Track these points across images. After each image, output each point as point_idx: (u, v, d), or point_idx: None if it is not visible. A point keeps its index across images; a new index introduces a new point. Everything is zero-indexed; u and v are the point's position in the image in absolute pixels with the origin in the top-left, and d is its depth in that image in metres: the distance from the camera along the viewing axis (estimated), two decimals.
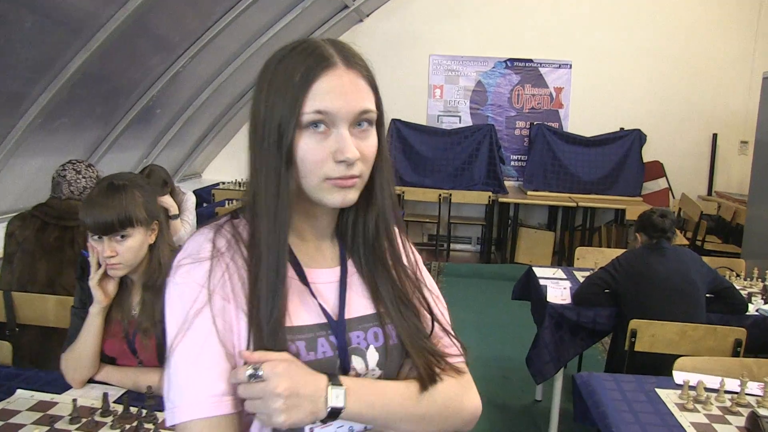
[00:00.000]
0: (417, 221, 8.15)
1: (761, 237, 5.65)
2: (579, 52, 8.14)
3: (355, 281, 1.18)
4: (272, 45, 6.80)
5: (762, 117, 5.88)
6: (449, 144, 8.16)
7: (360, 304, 1.16)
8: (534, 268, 4.06)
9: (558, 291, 3.52)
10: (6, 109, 3.97)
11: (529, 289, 4.03)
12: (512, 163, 8.41)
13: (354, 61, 1.09)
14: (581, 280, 3.65)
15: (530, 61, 8.21)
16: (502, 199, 7.55)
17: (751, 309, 3.42)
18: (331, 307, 1.13)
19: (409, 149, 8.19)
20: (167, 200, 4.11)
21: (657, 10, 7.97)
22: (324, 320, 1.10)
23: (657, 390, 2.29)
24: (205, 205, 7.04)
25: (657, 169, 8.06)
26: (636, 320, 3.02)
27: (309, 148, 1.04)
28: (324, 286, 1.14)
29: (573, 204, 7.34)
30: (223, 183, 7.94)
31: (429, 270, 6.77)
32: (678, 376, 2.37)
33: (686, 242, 6.37)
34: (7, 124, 4.06)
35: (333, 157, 1.04)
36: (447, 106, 8.43)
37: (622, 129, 8.03)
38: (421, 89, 8.43)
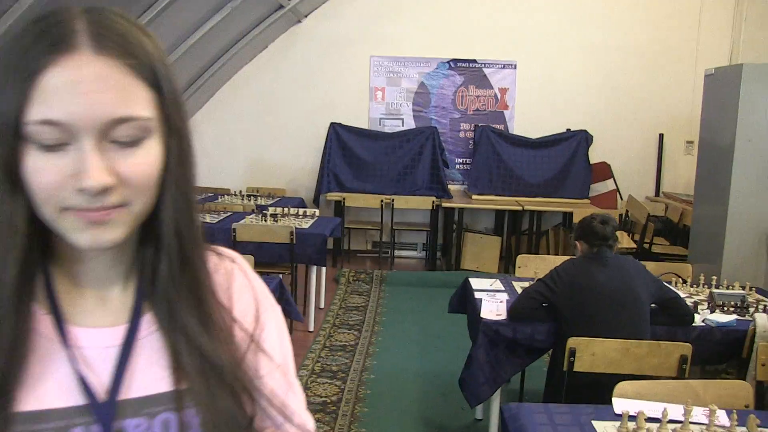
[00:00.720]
0: (360, 228, 7.85)
1: (707, 237, 5.49)
2: (524, 52, 7.95)
3: (150, 345, 0.83)
4: (199, 49, 6.46)
5: (705, 116, 5.74)
6: (391, 148, 7.89)
7: (150, 378, 0.82)
8: (471, 279, 3.79)
9: (493, 305, 3.26)
10: None
11: (466, 302, 3.76)
12: (457, 166, 8.17)
13: (111, 42, 0.73)
14: (520, 291, 3.39)
15: (474, 61, 8.00)
16: (446, 204, 7.30)
17: (698, 319, 3.20)
18: (101, 383, 0.78)
19: (349, 154, 7.90)
20: None
21: (602, 9, 7.83)
22: (84, 402, 0.76)
23: (594, 423, 2.03)
24: None
25: (604, 171, 7.90)
26: (575, 338, 2.77)
27: (37, 169, 0.71)
28: (97, 352, 0.80)
29: (519, 208, 7.12)
30: None
31: (371, 280, 6.48)
32: (618, 405, 2.11)
33: (633, 245, 6.20)
34: None
35: (71, 183, 0.72)
36: (389, 108, 8.16)
37: (568, 130, 7.85)
38: (362, 92, 8.15)
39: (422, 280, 6.93)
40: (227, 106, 8.32)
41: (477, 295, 3.45)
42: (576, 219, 6.71)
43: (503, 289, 3.64)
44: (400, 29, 7.98)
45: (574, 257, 3.24)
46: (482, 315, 3.17)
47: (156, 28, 5.58)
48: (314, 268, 5.38)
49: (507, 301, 3.32)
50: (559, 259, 3.62)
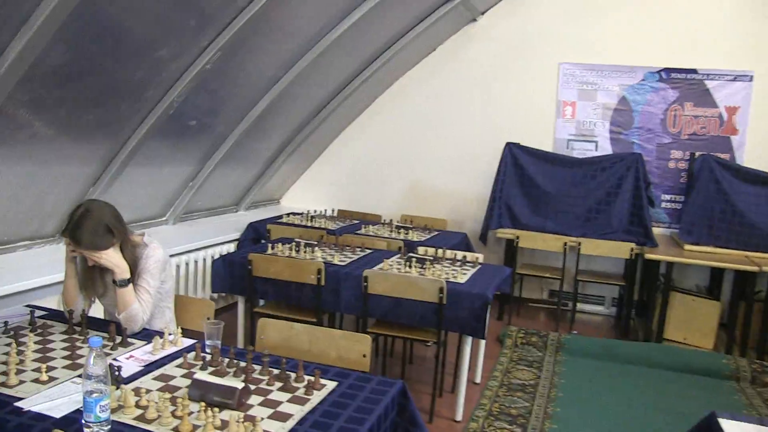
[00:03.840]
0: (535, 275, 6.32)
1: None
2: (764, 60, 6.09)
3: None
4: (347, 46, 5.31)
5: None
6: (581, 177, 6.32)
7: None
8: (722, 421, 2.22)
9: None
10: None
11: None
12: (664, 204, 6.44)
13: None
14: None
15: (693, 71, 6.26)
16: (649, 255, 5.60)
17: None
18: None
19: (527, 183, 6.44)
20: (111, 257, 2.66)
21: None
22: None
23: None
24: (262, 242, 5.62)
25: None
26: None
27: None
28: None
29: (755, 268, 5.27)
30: (289, 215, 6.43)
31: (545, 345, 4.92)
32: None
33: None
34: None
35: None
36: (580, 128, 6.60)
37: None
38: (548, 107, 6.65)
39: (611, 351, 5.29)
40: (383, 119, 7.15)
41: None
42: None
43: None
44: (597, 31, 6.41)
45: None
46: None
47: (291, 21, 4.49)
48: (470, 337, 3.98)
49: None
50: None
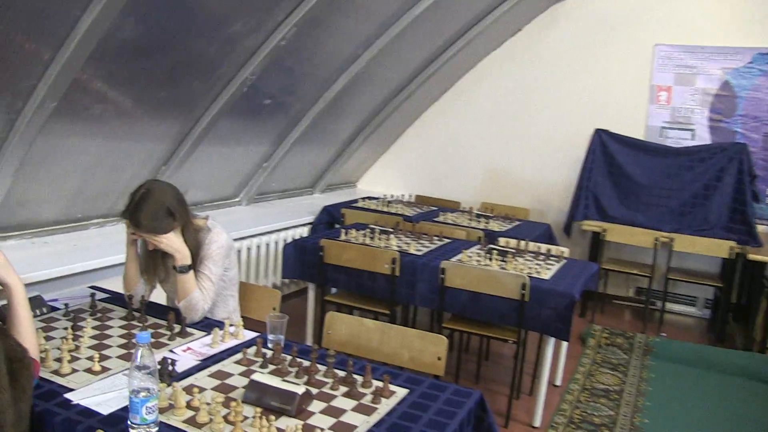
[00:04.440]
0: (621, 272, 5.93)
1: None
2: None
3: None
4: (427, 27, 5.06)
5: None
6: (676, 168, 5.88)
7: None
8: None
9: None
10: None
11: None
12: None
13: None
14: None
15: None
16: (753, 256, 5.14)
17: None
18: None
19: (617, 172, 6.04)
20: (172, 241, 2.50)
21: None
22: None
23: None
24: (336, 226, 5.45)
25: None
26: None
27: None
28: None
29: None
30: (365, 199, 6.22)
31: (631, 347, 4.48)
32: None
33: None
34: None
35: None
36: (675, 115, 6.14)
37: None
38: (641, 91, 6.20)
39: (706, 358, 4.88)
40: (464, 102, 6.85)
41: None
42: None
43: None
44: (698, 9, 5.92)
45: None
46: None
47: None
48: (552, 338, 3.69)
49: None
50: None
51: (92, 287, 3.04)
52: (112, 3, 2.89)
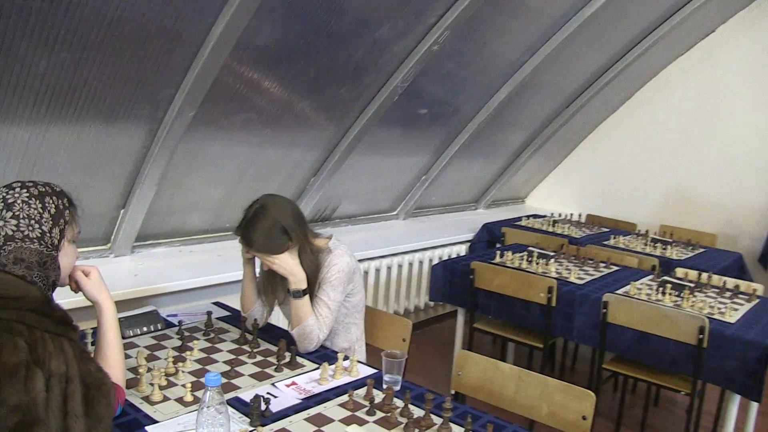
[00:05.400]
0: None
1: None
2: None
3: None
4: (600, 30, 4.59)
5: None
6: None
7: None
8: None
9: None
10: None
11: None
12: None
13: None
14: None
15: None
16: None
17: None
18: None
19: None
20: (285, 262, 2.27)
21: None
22: None
23: None
24: (497, 246, 5.09)
25: None
26: None
27: None
28: None
29: None
30: (530, 218, 5.75)
31: None
32: None
33: None
34: None
35: None
36: None
37: None
38: None
39: None
40: (645, 113, 6.22)
41: None
42: None
43: None
44: None
45: None
46: None
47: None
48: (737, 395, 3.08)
49: None
50: None
51: (216, 303, 2.91)
52: (243, 7, 2.75)
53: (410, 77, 3.96)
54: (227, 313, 2.76)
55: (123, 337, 2.38)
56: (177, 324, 2.51)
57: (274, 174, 4.09)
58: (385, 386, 2.07)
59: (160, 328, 2.51)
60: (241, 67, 3.18)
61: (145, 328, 2.47)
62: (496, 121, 5.24)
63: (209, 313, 2.59)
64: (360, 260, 4.70)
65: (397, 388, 2.08)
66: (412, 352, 2.71)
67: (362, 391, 2.04)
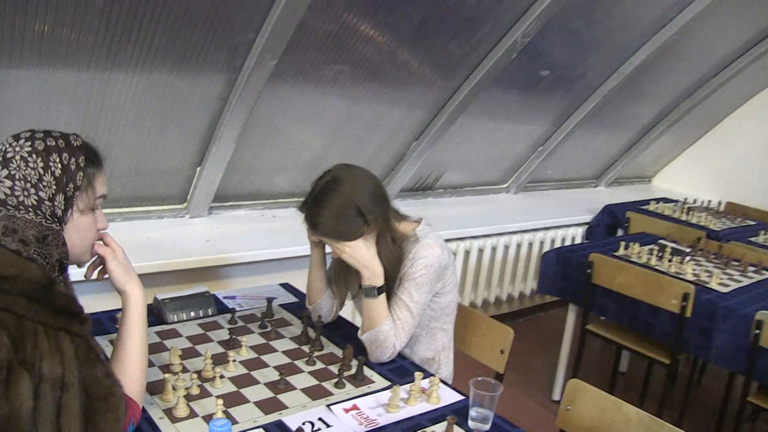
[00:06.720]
0: None
1: None
2: None
3: None
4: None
5: None
6: None
7: None
8: None
9: None
10: None
11: None
12: None
13: None
14: None
15: None
16: None
17: None
18: None
19: None
20: (358, 252, 1.79)
21: None
22: None
23: None
24: (620, 232, 4.49)
25: None
26: None
27: None
28: None
29: None
30: (659, 201, 5.04)
31: None
32: None
33: None
34: None
35: None
36: None
37: None
38: None
39: None
40: None
41: None
42: None
43: None
44: None
45: None
46: None
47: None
48: None
49: None
50: None
51: (283, 284, 2.49)
52: None
53: (532, 32, 3.36)
54: (293, 300, 2.34)
55: (165, 322, 2.01)
56: (231, 310, 2.10)
57: (370, 135, 3.64)
58: (470, 424, 1.59)
59: (210, 314, 2.11)
60: (331, 8, 2.71)
61: (192, 313, 2.08)
62: (628, 89, 4.56)
63: (270, 300, 2.17)
64: (461, 238, 4.24)
65: (486, 428, 1.60)
66: (512, 343, 2.21)
67: (441, 428, 1.57)
